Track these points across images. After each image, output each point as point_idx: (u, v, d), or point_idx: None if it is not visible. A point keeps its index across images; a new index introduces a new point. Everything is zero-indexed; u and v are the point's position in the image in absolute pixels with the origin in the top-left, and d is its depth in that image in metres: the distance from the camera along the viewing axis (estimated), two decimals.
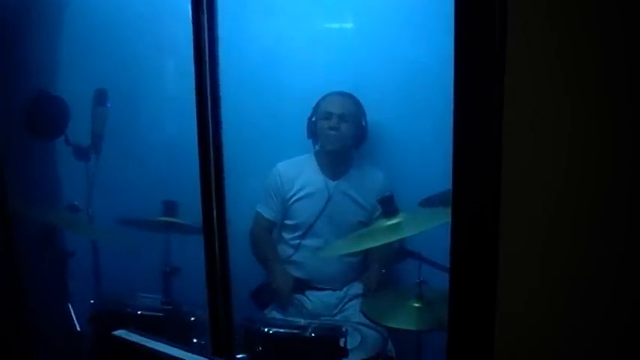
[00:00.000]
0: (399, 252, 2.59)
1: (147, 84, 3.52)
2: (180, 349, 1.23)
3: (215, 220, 2.10)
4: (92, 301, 2.81)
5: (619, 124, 1.32)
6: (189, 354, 1.20)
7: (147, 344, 1.27)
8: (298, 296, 3.25)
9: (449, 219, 1.49)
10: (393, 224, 2.45)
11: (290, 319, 2.94)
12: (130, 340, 1.30)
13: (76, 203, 3.01)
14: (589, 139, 1.34)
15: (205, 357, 1.19)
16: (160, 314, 2.70)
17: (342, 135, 3.19)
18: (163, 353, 1.23)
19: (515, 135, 1.37)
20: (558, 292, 1.44)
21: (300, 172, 3.33)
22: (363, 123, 3.25)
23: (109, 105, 3.15)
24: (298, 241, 3.30)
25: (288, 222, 3.33)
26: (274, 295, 3.23)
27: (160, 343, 1.27)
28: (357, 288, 3.28)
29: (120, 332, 1.34)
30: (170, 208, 2.83)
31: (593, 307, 1.41)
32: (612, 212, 1.35)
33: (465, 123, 1.44)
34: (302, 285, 3.26)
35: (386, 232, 2.46)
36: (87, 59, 3.43)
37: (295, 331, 2.49)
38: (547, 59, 1.34)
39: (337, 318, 3.18)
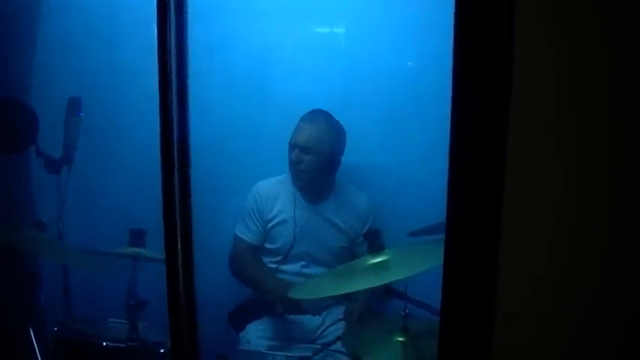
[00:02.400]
0: (383, 291, 2.40)
1: (122, 92, 3.34)
2: None
3: (179, 248, 1.91)
4: (55, 329, 2.61)
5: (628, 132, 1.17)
6: None
7: None
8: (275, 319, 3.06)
9: (440, 260, 1.32)
10: (379, 262, 2.24)
11: (263, 351, 2.79)
12: None
13: (43, 220, 2.80)
14: (598, 164, 1.19)
15: None
16: (125, 346, 2.51)
17: (305, 169, 3.00)
18: None
19: (519, 161, 1.21)
20: (558, 344, 1.27)
21: (279, 194, 3.14)
22: (337, 148, 3.04)
23: (82, 114, 2.97)
24: (278, 265, 3.13)
25: (268, 246, 3.15)
26: (271, 310, 3.03)
27: None
28: (336, 313, 3.09)
29: None
30: (137, 237, 2.62)
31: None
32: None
33: (463, 145, 1.27)
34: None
35: (371, 272, 2.25)
36: (59, 66, 3.25)
37: None
38: (555, 81, 1.18)
39: (316, 345, 2.96)
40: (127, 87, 3.29)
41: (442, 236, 1.31)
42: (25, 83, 3.23)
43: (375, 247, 2.26)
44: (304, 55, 3.30)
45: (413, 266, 2.23)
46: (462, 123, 1.27)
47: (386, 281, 2.26)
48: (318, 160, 2.99)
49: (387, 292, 2.31)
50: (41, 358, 2.62)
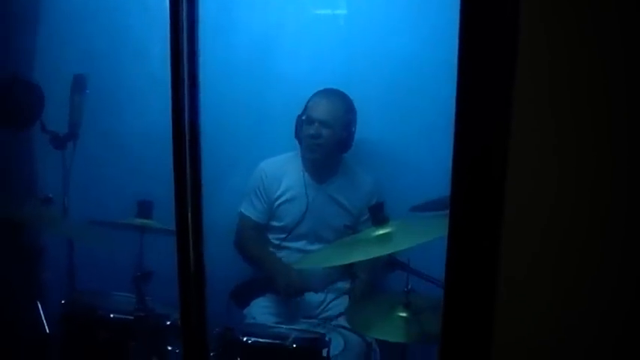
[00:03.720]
0: (386, 263, 2.44)
1: (128, 71, 3.35)
2: None
3: (190, 222, 1.95)
4: (63, 302, 2.65)
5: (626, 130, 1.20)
6: None
7: None
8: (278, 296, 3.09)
9: (444, 232, 1.36)
10: (383, 234, 2.27)
11: (270, 325, 2.78)
12: None
13: (50, 195, 2.84)
14: (597, 148, 1.22)
15: None
16: (133, 317, 2.54)
17: (324, 143, 3.00)
18: None
19: (523, 139, 1.24)
20: (562, 315, 1.31)
21: (285, 172, 3.15)
22: (352, 127, 3.04)
23: (87, 92, 3.00)
24: (282, 242, 3.15)
25: (274, 223, 3.17)
26: (275, 288, 3.05)
27: None
28: (338, 289, 3.14)
29: None
30: (145, 208, 2.65)
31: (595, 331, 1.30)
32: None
33: (468, 123, 1.30)
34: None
35: (375, 243, 2.28)
36: (64, 44, 3.26)
37: (276, 341, 2.35)
38: (561, 60, 1.21)
39: (320, 319, 3.03)
40: (133, 64, 3.29)
41: (444, 212, 1.35)
42: (31, 60, 3.25)
43: (379, 220, 2.30)
44: (306, 35, 3.28)
45: (416, 237, 2.27)
46: (467, 100, 1.30)
47: (390, 251, 2.30)
48: (336, 136, 3.00)
49: (390, 263, 2.35)
50: (49, 330, 2.66)
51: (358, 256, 2.48)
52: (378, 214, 2.30)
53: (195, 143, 1.84)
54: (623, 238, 1.23)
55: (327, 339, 2.38)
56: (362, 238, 2.44)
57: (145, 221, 2.64)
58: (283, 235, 3.15)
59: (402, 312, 2.40)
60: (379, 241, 2.26)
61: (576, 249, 1.27)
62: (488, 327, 1.36)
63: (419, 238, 2.23)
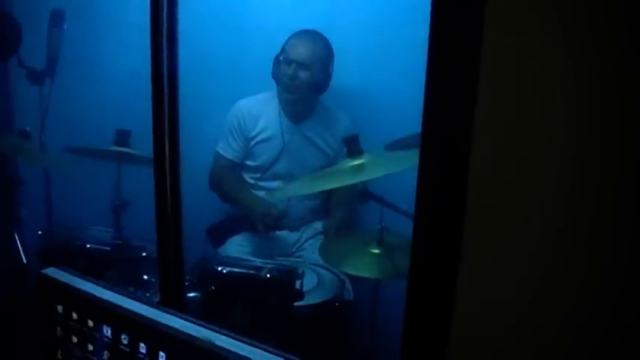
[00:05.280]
0: (361, 194, 2.52)
1: (106, 6, 3.37)
2: (120, 293, 1.14)
3: (167, 151, 2.02)
4: (40, 233, 2.71)
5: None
6: (128, 299, 1.12)
7: (79, 286, 1.18)
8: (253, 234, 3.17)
9: (416, 162, 1.43)
10: (357, 165, 2.33)
11: (245, 258, 2.85)
12: (59, 281, 1.21)
13: (27, 129, 2.89)
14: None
15: (143, 302, 1.10)
16: (110, 249, 2.62)
17: (300, 83, 3.03)
18: (97, 297, 1.14)
19: (492, 79, 1.30)
20: (525, 241, 1.40)
21: (262, 112, 3.19)
22: (329, 69, 3.08)
23: (65, 27, 3.02)
24: (258, 182, 3.21)
25: (249, 163, 3.23)
26: (250, 226, 3.13)
27: (95, 286, 1.18)
28: (314, 229, 3.22)
29: (49, 270, 1.24)
30: (123, 137, 2.70)
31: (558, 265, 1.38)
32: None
33: (439, 66, 1.37)
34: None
35: (349, 173, 2.34)
36: None
37: (250, 271, 2.42)
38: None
39: (294, 258, 3.12)
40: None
41: (416, 148, 1.42)
42: None
43: (354, 151, 2.36)
44: None
45: (389, 168, 2.34)
46: (439, 45, 1.37)
47: (363, 179, 2.38)
48: (313, 77, 3.03)
49: (365, 194, 2.43)
50: (26, 260, 2.72)
51: (333, 184, 2.56)
52: (352, 146, 2.35)
53: (174, 78, 1.92)
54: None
55: (300, 271, 2.46)
56: (337, 169, 2.50)
57: (123, 149, 2.68)
58: (258, 175, 3.20)
59: (375, 249, 2.47)
60: (354, 171, 2.32)
61: (549, 178, 1.35)
62: (455, 258, 1.44)
63: (392, 168, 2.30)
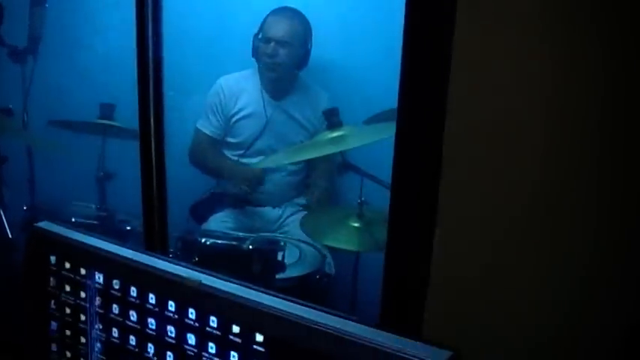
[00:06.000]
0: (340, 165, 2.61)
1: None
2: (110, 242, 1.22)
3: (152, 124, 2.10)
4: (25, 208, 2.78)
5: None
6: (118, 246, 1.19)
7: (71, 236, 1.26)
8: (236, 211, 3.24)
9: (393, 133, 1.51)
10: (337, 137, 2.44)
11: (228, 232, 2.92)
12: (52, 232, 1.28)
13: (10, 107, 2.94)
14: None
15: (135, 249, 1.18)
16: (95, 222, 2.68)
17: (280, 61, 3.10)
18: (89, 246, 1.22)
19: (464, 56, 1.39)
20: (497, 214, 1.46)
21: (243, 89, 3.26)
22: (308, 45, 3.15)
23: (47, 5, 3.07)
24: (239, 158, 3.28)
25: (230, 139, 3.29)
26: (230, 199, 3.20)
27: (86, 236, 1.25)
28: (296, 205, 3.29)
29: (42, 223, 1.32)
30: (107, 110, 2.78)
31: (531, 246, 1.45)
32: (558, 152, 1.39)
33: (414, 44, 1.45)
34: (241, 200, 3.23)
35: (330, 144, 2.45)
36: None
37: (233, 242, 2.50)
38: None
39: (277, 234, 3.19)
40: None
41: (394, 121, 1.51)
42: None
43: (334, 123, 2.46)
44: None
45: (367, 137, 2.45)
46: (414, 22, 1.45)
47: (343, 149, 2.51)
48: (293, 54, 3.11)
49: (344, 165, 2.52)
50: (11, 235, 2.78)
51: (314, 153, 2.69)
52: (332, 118, 2.45)
53: (159, 58, 2.00)
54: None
55: (282, 244, 2.54)
56: (317, 140, 2.61)
57: (108, 122, 2.75)
58: (241, 152, 3.26)
59: (355, 222, 2.57)
60: (334, 142, 2.43)
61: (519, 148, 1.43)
62: (430, 229, 1.52)
63: (370, 138, 2.41)
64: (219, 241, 2.50)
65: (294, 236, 2.98)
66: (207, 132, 3.27)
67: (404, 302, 1.61)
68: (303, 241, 2.84)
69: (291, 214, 3.26)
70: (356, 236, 2.54)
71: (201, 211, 3.27)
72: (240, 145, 3.27)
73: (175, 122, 3.13)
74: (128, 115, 2.56)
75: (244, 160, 3.26)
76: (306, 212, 3.12)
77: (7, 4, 3.02)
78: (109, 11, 3.36)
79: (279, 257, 2.50)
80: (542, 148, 1.40)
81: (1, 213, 2.82)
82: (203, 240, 2.47)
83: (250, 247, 2.46)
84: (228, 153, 3.31)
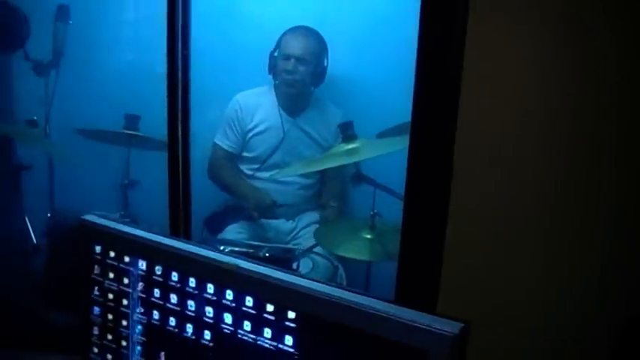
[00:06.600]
0: (354, 177, 2.75)
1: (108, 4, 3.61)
2: (152, 232, 1.36)
3: (180, 136, 2.25)
4: (49, 215, 2.91)
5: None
6: (160, 236, 1.34)
7: (116, 227, 1.40)
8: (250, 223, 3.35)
9: (406, 145, 1.64)
10: (352, 148, 2.59)
11: (245, 241, 3.06)
12: (98, 224, 1.42)
13: (35, 118, 3.10)
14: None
15: (183, 240, 1.32)
16: None
17: (300, 78, 3.25)
18: (133, 235, 1.36)
19: (474, 73, 1.51)
20: (508, 222, 1.59)
21: (259, 105, 3.39)
22: (324, 62, 3.30)
23: (71, 22, 3.24)
24: (254, 172, 3.40)
25: (246, 154, 3.41)
26: (246, 212, 3.30)
27: (130, 227, 1.40)
28: (309, 218, 3.41)
29: (88, 216, 1.46)
30: (132, 121, 2.93)
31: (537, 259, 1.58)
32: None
33: (427, 61, 1.57)
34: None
35: (344, 155, 2.60)
36: None
37: (250, 250, 2.64)
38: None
39: (290, 246, 3.30)
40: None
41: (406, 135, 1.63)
42: None
43: (349, 136, 2.63)
44: None
45: (380, 149, 2.62)
46: (428, 41, 1.58)
47: (356, 160, 2.66)
48: (310, 71, 3.26)
49: (357, 177, 2.67)
50: (36, 241, 2.92)
51: (329, 164, 2.87)
52: (347, 131, 2.61)
53: (186, 68, 2.15)
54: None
55: (297, 253, 2.67)
56: (332, 152, 2.78)
57: (133, 132, 2.91)
58: (256, 166, 3.39)
59: (367, 234, 2.70)
60: (348, 154, 2.59)
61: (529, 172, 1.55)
62: (441, 238, 1.64)
63: (383, 150, 2.58)
64: (237, 249, 2.63)
65: (307, 248, 3.09)
66: (225, 147, 3.40)
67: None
68: (317, 253, 2.96)
69: (304, 227, 3.38)
70: (368, 247, 2.67)
71: (216, 223, 3.38)
72: (255, 160, 3.40)
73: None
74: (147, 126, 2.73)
75: (259, 175, 3.38)
76: (318, 225, 3.26)
77: (32, 19, 3.19)
78: (129, 27, 3.53)
79: (294, 266, 2.63)
80: (550, 159, 1.52)
81: (27, 219, 2.96)
82: (222, 247, 2.59)
83: (267, 255, 2.59)
84: (243, 167, 3.43)
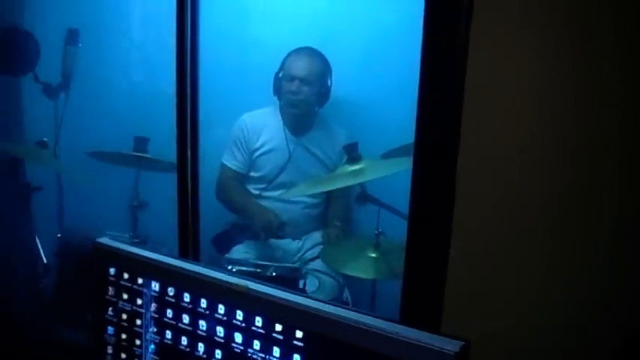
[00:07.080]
0: (359, 196, 2.82)
1: (120, 25, 3.68)
2: (164, 254, 1.43)
3: (189, 158, 2.31)
4: (59, 235, 2.98)
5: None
6: (172, 258, 1.41)
7: (130, 249, 1.47)
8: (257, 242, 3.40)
9: (409, 166, 1.69)
10: (357, 170, 2.66)
11: (252, 260, 3.11)
12: (112, 246, 1.49)
13: (45, 139, 3.17)
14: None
15: (186, 260, 1.38)
16: None
17: (304, 98, 3.31)
18: (146, 257, 1.43)
19: (477, 94, 1.56)
20: (511, 242, 1.63)
21: (265, 125, 3.45)
22: (328, 83, 3.36)
23: (80, 45, 3.32)
24: (261, 192, 3.46)
25: (253, 174, 3.47)
26: (253, 232, 3.35)
27: (143, 250, 1.46)
28: (315, 238, 3.46)
29: (102, 239, 1.52)
30: (141, 143, 3.00)
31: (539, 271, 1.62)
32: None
33: (430, 82, 1.63)
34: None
35: (349, 176, 2.67)
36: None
37: (257, 270, 2.69)
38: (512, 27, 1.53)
39: (297, 265, 3.34)
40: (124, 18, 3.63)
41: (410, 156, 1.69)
42: (27, 14, 3.54)
43: (353, 157, 2.69)
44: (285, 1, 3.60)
45: (385, 170, 2.70)
46: (430, 61, 1.63)
47: (361, 181, 2.76)
48: (314, 92, 3.33)
49: (363, 197, 2.74)
50: (46, 260, 2.99)
51: (335, 185, 2.96)
52: (352, 152, 2.68)
53: (195, 90, 2.22)
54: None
55: (303, 272, 2.73)
56: (338, 173, 2.86)
57: (142, 154, 2.99)
58: (263, 185, 3.45)
59: (372, 253, 2.78)
60: (353, 175, 2.67)
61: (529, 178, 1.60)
62: (445, 256, 1.69)
63: (388, 171, 2.66)
64: (244, 268, 2.69)
65: (313, 267, 3.16)
66: (234, 167, 3.46)
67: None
68: (323, 272, 3.02)
69: (310, 248, 3.44)
70: (373, 265, 2.75)
71: (224, 242, 3.44)
72: (262, 179, 3.46)
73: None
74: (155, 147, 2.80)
75: (266, 194, 3.44)
76: (323, 246, 3.32)
77: (42, 42, 3.28)
78: (137, 50, 3.62)
79: (301, 285, 2.68)
80: (551, 177, 1.56)
81: (37, 239, 3.03)
82: (229, 267, 2.65)
83: (274, 274, 2.65)
84: (250, 187, 3.49)
